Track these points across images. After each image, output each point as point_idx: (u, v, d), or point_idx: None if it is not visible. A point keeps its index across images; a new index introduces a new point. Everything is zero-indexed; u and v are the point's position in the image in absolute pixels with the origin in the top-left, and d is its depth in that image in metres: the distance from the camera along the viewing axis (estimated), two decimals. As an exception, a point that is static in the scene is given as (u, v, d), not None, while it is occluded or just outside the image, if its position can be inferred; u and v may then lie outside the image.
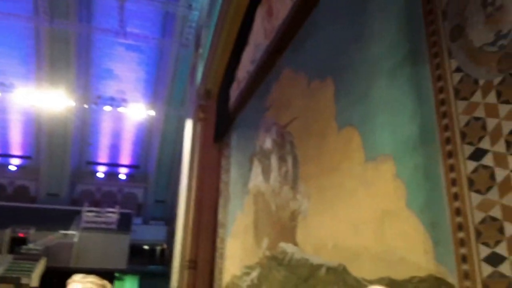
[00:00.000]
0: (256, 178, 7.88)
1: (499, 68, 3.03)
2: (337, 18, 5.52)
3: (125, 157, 29.42)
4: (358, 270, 4.15)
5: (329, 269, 4.67)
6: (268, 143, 7.57)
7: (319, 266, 4.89)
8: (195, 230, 9.74)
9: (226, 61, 10.95)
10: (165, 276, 23.96)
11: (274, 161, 7.19)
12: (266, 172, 7.47)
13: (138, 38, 22.16)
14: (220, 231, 9.65)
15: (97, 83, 25.07)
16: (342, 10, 5.44)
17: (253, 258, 7.18)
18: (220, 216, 9.83)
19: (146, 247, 27.17)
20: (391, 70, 4.20)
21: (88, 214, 22.79)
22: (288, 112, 6.78)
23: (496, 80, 3.03)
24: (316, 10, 6.22)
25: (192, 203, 10.22)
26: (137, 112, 24.19)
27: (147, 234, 26.53)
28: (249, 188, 8.19)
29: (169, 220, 27.24)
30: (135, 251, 24.73)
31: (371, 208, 4.13)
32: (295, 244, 5.73)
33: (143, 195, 29.89)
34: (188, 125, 12.73)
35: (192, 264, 9.38)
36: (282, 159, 6.85)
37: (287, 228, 6.12)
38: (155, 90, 25.91)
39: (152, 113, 24.49)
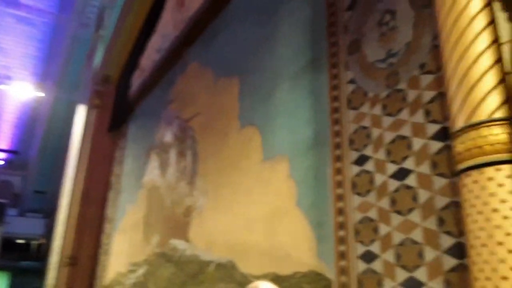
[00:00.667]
0: (152, 172, 7.66)
1: (387, 84, 3.39)
2: (248, 17, 5.65)
3: (3, 141, 26.35)
4: (246, 266, 4.27)
5: (219, 265, 4.73)
6: (168, 137, 7.42)
7: (209, 263, 4.93)
8: (78, 224, 9.10)
9: (130, 47, 10.48)
10: (41, 272, 21.93)
11: (173, 155, 7.06)
12: (163, 167, 7.31)
13: (31, 11, 20.07)
14: (106, 226, 9.16)
15: (-24, 54, 22.09)
16: (253, 10, 5.58)
17: (141, 254, 6.96)
18: (108, 211, 9.34)
19: (20, 241, 24.59)
20: (294, 75, 4.43)
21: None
22: (191, 107, 6.73)
23: (383, 94, 3.38)
24: (228, 6, 6.29)
25: (77, 196, 9.54)
26: (22, 91, 21.82)
27: (23, 227, 24.04)
28: (143, 182, 7.92)
29: (49, 213, 25.01)
30: (8, 245, 22.27)
31: (264, 206, 4.29)
32: (187, 240, 5.70)
33: (20, 184, 27.01)
34: (80, 111, 11.86)
35: (72, 261, 8.74)
36: (181, 154, 6.76)
37: (180, 224, 6.05)
38: (45, 69, 23.64)
39: (41, 94, 22.32)
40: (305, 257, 3.58)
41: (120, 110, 10.14)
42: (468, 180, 2.10)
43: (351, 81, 3.72)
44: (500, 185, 1.98)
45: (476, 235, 2.00)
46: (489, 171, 2.01)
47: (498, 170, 2.00)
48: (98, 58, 12.13)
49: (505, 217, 1.93)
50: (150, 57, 9.25)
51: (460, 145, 2.17)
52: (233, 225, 4.72)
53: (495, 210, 1.95)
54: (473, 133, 2.10)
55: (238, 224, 4.63)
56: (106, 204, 9.57)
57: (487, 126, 2.06)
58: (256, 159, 4.63)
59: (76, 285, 8.58)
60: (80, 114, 11.75)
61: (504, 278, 1.86)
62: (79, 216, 9.30)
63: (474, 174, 2.06)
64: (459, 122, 2.20)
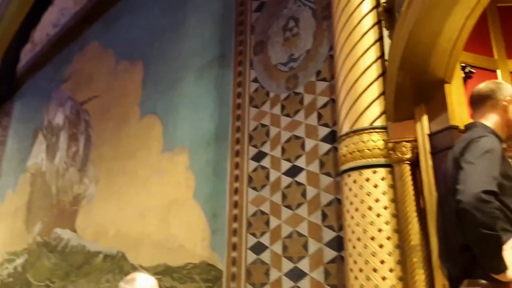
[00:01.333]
0: (38, 155, 7.02)
1: (287, 86, 3.57)
2: (156, 3, 5.46)
3: None
4: (136, 257, 4.16)
5: (107, 256, 4.54)
6: (59, 118, 6.86)
7: (96, 253, 4.70)
8: None
9: (22, 17, 9.41)
10: None
11: (63, 139, 6.56)
12: (51, 150, 6.74)
13: None
14: (-20, 212, 8.16)
15: None
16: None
17: (21, 243, 6.34)
18: (-16, 195, 8.32)
19: None
20: (200, 68, 4.42)
21: None
22: (88, 89, 6.30)
23: (283, 95, 3.56)
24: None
25: None
26: None
27: None
28: (27, 165, 7.22)
29: None
30: None
31: (160, 197, 4.22)
32: (73, 230, 5.34)
33: None
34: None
35: None
36: (73, 138, 6.31)
37: (66, 213, 5.65)
38: None
39: None
40: (198, 249, 3.62)
41: (5, 85, 9.08)
42: (349, 179, 2.32)
43: (255, 80, 3.84)
44: (375, 185, 2.23)
45: (352, 230, 2.22)
46: (367, 172, 2.25)
47: (374, 172, 2.25)
48: (-19, 24, 10.69)
49: (378, 215, 2.17)
50: (44, 30, 8.43)
51: (344, 148, 2.39)
52: (126, 215, 4.56)
53: (369, 208, 2.19)
54: (355, 138, 2.33)
55: (131, 214, 4.49)
56: (-20, 188, 8.51)
57: (368, 132, 2.30)
58: (156, 149, 4.53)
59: None
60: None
61: (375, 270, 2.09)
62: None
63: (354, 174, 2.28)
64: (345, 127, 2.42)
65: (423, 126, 2.11)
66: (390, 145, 2.22)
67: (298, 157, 3.23)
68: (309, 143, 3.19)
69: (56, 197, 6.09)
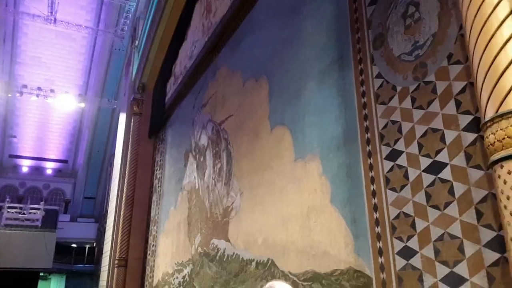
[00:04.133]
0: (191, 175, 7.80)
1: (414, 76, 3.28)
2: (273, 19, 5.62)
3: (52, 151, 27.64)
4: (284, 264, 4.27)
5: (258, 263, 4.76)
6: (203, 140, 7.53)
7: (249, 261, 4.97)
8: (126, 228, 9.42)
9: (163, 56, 10.69)
10: (93, 275, 22.91)
11: (209, 157, 7.16)
12: (201, 169, 7.43)
13: (69, 26, 20.87)
14: (152, 228, 9.43)
15: (23, 71, 23.26)
16: (277, 12, 5.55)
17: (185, 255, 7.11)
18: (153, 213, 9.61)
19: (74, 245, 25.77)
20: (321, 73, 4.37)
21: (10, 211, 21.10)
22: (223, 110, 6.79)
23: (412, 87, 3.27)
24: (253, 10, 6.28)
25: (123, 200, 9.86)
26: (66, 103, 22.76)
27: (75, 231, 25.16)
28: (183, 184, 8.09)
29: (99, 217, 26.06)
30: (62, 249, 23.36)
31: (298, 204, 4.27)
32: (227, 240, 5.77)
33: (71, 191, 28.29)
34: (122, 119, 12.26)
35: (122, 262, 9.07)
36: (217, 156, 6.85)
37: (219, 224, 6.13)
38: (86, 81, 24.58)
39: (82, 105, 23.19)
40: (343, 255, 3.54)
41: (157, 117, 10.39)
42: (502, 171, 1.99)
43: (378, 76, 3.62)
44: (537, 176, 1.87)
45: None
46: (525, 161, 1.90)
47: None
48: (134, 68, 12.48)
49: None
50: (182, 63, 9.40)
51: (491, 135, 2.06)
52: (270, 224, 4.73)
53: None
54: (503, 123, 1.98)
55: (274, 223, 4.64)
56: (150, 207, 9.84)
57: (519, 116, 1.95)
58: (288, 158, 4.61)
59: (127, 286, 8.90)
60: (122, 121, 12.14)
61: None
62: (126, 219, 9.62)
63: (508, 164, 1.94)
64: (489, 112, 2.09)
65: None
66: None
67: (438, 151, 2.92)
68: (450, 135, 2.86)
69: (209, 211, 6.66)
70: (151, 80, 11.47)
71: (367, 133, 3.58)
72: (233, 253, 5.47)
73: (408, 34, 3.41)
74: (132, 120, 11.01)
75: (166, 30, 10.21)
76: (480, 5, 2.24)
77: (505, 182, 2.01)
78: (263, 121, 5.32)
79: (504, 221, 2.03)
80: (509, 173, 1.99)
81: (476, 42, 2.26)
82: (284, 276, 4.19)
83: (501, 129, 2.04)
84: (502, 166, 2.04)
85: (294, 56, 4.93)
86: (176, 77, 9.72)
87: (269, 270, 4.51)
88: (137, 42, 13.07)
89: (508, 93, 2.04)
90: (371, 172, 3.43)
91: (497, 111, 2.08)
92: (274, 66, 5.34)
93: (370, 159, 3.48)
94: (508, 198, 1.98)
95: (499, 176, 2.06)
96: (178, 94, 9.23)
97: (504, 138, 2.02)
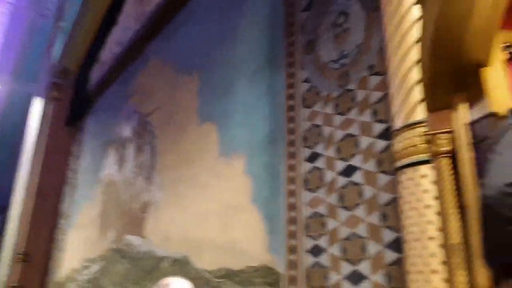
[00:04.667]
0: (110, 167, 7.50)
1: (339, 84, 3.49)
2: (208, 14, 5.63)
3: (-47, 132, 24.93)
4: (200, 261, 4.28)
5: (174, 260, 4.71)
6: (127, 131, 7.28)
7: (164, 258, 4.90)
8: (32, 220, 8.77)
9: (91, 40, 10.17)
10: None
11: (131, 150, 6.94)
12: (121, 162, 7.17)
13: (-16, -3, 19.03)
14: (61, 221, 8.88)
15: None
16: (214, 6, 5.57)
17: (96, 250, 6.80)
18: (64, 206, 9.06)
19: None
20: (252, 73, 4.46)
21: None
22: (151, 102, 6.63)
23: (335, 94, 3.47)
24: (189, 2, 6.24)
25: (32, 190, 9.18)
26: (-26, 81, 20.64)
27: (-28, 224, 22.87)
28: (100, 177, 7.74)
29: (3, 208, 23.95)
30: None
31: (219, 201, 4.31)
32: (143, 236, 5.62)
33: (-28, 179, 25.71)
34: (37, 104, 11.42)
35: (25, 257, 8.42)
36: (140, 149, 6.66)
37: (136, 220, 5.96)
38: (0, 60, 22.57)
39: (-5, 85, 21.21)
40: (257, 252, 3.63)
41: (79, 104, 9.84)
42: (403, 177, 2.20)
43: (307, 80, 3.80)
44: (434, 182, 2.08)
45: (409, 230, 2.10)
46: (423, 168, 2.11)
47: (427, 168, 2.11)
48: (57, 50, 11.70)
49: (438, 213, 2.03)
50: (110, 50, 9.03)
51: (398, 143, 2.27)
52: (188, 220, 4.71)
53: (427, 207, 2.05)
54: (409, 133, 2.20)
55: (193, 219, 4.63)
56: (61, 199, 9.27)
57: (420, 126, 2.16)
58: (213, 154, 4.64)
59: (29, 282, 8.27)
60: (37, 107, 11.31)
61: (434, 271, 1.96)
62: (34, 211, 8.96)
63: (409, 171, 2.15)
64: (398, 122, 2.30)
65: (461, 115, 1.94)
66: (428, 137, 2.08)
67: (353, 155, 3.13)
68: (365, 141, 3.08)
69: (127, 205, 6.45)
70: (75, 64, 10.83)
71: (291, 135, 3.72)
72: (148, 249, 5.35)
73: (337, 43, 3.62)
74: (49, 106, 10.32)
75: (95, 14, 9.73)
76: (399, 22, 2.46)
77: (405, 188, 2.22)
78: (191, 116, 5.30)
79: (402, 224, 2.24)
80: (409, 179, 2.20)
81: (393, 56, 2.48)
82: (199, 274, 4.20)
83: (406, 138, 2.24)
84: (404, 173, 2.25)
85: (228, 52, 4.99)
86: (103, 63, 9.30)
87: (184, 267, 4.48)
88: (62, 22, 12.30)
89: (415, 105, 2.26)
90: (292, 172, 3.57)
91: (405, 121, 2.30)
92: (207, 60, 5.35)
93: (292, 159, 3.62)
94: (406, 202, 2.19)
95: (400, 182, 2.27)
96: (104, 81, 8.84)
97: (408, 147, 2.22)
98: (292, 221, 3.39)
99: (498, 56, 1.92)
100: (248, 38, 4.72)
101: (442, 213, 1.95)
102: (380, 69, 3.13)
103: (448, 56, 1.89)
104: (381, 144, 2.94)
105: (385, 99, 3.02)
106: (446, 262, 1.87)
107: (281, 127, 3.86)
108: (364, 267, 2.77)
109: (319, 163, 3.37)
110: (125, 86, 7.82)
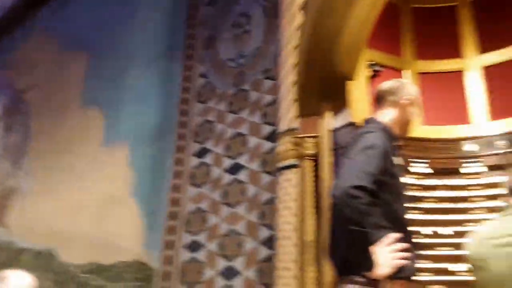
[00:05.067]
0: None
1: (234, 83, 3.57)
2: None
3: None
4: (67, 255, 3.98)
5: (37, 253, 4.31)
6: (-5, 108, 6.49)
7: (25, 250, 4.45)
8: None
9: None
10: None
11: (-1, 130, 6.20)
12: (-16, 141, 6.35)
13: None
14: None
15: None
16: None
17: None
18: None
19: None
20: (148, 60, 4.32)
21: None
22: (30, 77, 6.00)
23: (230, 92, 3.55)
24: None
25: None
26: None
27: None
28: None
29: None
30: None
31: (96, 193, 4.07)
32: (3, 225, 5.04)
33: None
34: None
35: None
36: (9, 129, 5.98)
37: (-4, 208, 5.32)
38: None
39: None
40: (132, 247, 3.51)
41: None
42: (281, 178, 2.32)
43: (203, 75, 3.81)
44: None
45: (281, 228, 2.21)
46: (295, 171, 2.24)
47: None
48: None
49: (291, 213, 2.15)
50: (-15, 13, 7.98)
51: (280, 146, 2.39)
52: (59, 211, 4.35)
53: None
54: (289, 137, 2.29)
55: (65, 210, 4.29)
56: None
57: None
58: (95, 142, 4.37)
59: None
60: None
61: (287, 269, 2.07)
62: None
63: (287, 173, 2.28)
64: (283, 126, 2.42)
65: (327, 123, 2.10)
66: (297, 141, 2.20)
67: (240, 154, 3.22)
68: (253, 141, 3.20)
69: (-14, 192, 5.72)
70: None
71: (182, 128, 3.69)
72: (7, 240, 4.81)
73: (237, 43, 3.71)
74: None
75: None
76: (294, 31, 2.61)
77: (282, 188, 2.34)
78: (75, 99, 4.93)
79: (276, 222, 2.35)
80: (286, 180, 2.32)
81: (283, 64, 2.61)
82: (63, 268, 3.90)
83: (287, 142, 2.34)
84: (282, 174, 2.37)
85: (122, 37, 4.76)
86: (-25, 27, 8.18)
87: (48, 260, 4.12)
88: None
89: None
90: (178, 166, 3.54)
91: (287, 126, 2.41)
92: (99, 42, 5.04)
93: (180, 153, 3.59)
94: (282, 201, 2.31)
95: (279, 183, 2.39)
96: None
97: (287, 150, 2.33)
98: (173, 216, 3.36)
99: (363, 72, 2.16)
100: (147, 24, 4.57)
101: (300, 212, 2.07)
102: (274, 74, 3.28)
103: (319, 67, 2.06)
104: (267, 145, 3.08)
105: (275, 103, 3.17)
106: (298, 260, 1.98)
107: (172, 120, 3.80)
108: (239, 263, 2.85)
109: (208, 159, 3.40)
110: (1, 56, 6.97)
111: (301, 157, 2.14)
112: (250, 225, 2.91)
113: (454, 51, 2.25)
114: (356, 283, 1.11)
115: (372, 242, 1.08)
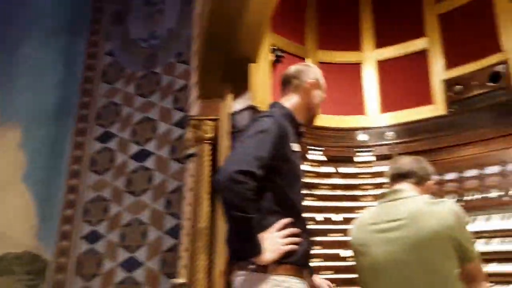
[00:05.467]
0: None
1: (145, 64, 3.42)
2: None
3: None
4: None
5: None
6: None
7: None
8: None
9: None
10: None
11: None
12: None
13: None
14: None
15: None
16: None
17: None
18: None
19: None
20: (47, 33, 3.95)
21: None
22: None
23: (139, 74, 3.39)
24: None
25: None
26: None
27: None
28: None
29: None
30: None
31: (-20, 177, 3.65)
32: None
33: None
34: None
35: None
36: None
37: None
38: None
39: None
40: (23, 237, 3.22)
41: None
42: (190, 165, 2.28)
43: (110, 53, 3.60)
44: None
45: (188, 216, 2.18)
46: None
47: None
48: None
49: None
50: None
51: (189, 133, 2.32)
52: None
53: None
54: (199, 124, 2.22)
55: None
56: None
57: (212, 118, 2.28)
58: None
59: None
60: None
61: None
62: None
63: (195, 159, 2.23)
64: (193, 112, 2.37)
65: (227, 105, 2.02)
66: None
67: (148, 140, 3.11)
68: (162, 127, 3.10)
69: None
70: None
71: (84, 109, 3.46)
72: None
73: (149, 22, 3.55)
74: None
75: None
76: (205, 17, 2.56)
77: (191, 176, 2.29)
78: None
79: (183, 210, 2.31)
80: (195, 167, 2.27)
81: (198, 48, 2.55)
82: None
83: (196, 129, 2.27)
84: (191, 161, 2.32)
85: (18, 5, 4.30)
86: None
87: None
88: None
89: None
90: (78, 151, 3.31)
91: (197, 112, 2.34)
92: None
93: (80, 137, 3.37)
94: (190, 189, 2.26)
95: (187, 169, 2.35)
96: None
97: (196, 137, 2.27)
98: (70, 204, 3.15)
99: (266, 56, 2.16)
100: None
101: (195, 197, 1.98)
102: (187, 58, 3.20)
103: (220, 48, 1.98)
104: (177, 132, 3.01)
105: (187, 88, 3.10)
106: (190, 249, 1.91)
107: (73, 100, 3.55)
108: (141, 254, 2.77)
109: (112, 144, 3.24)
110: None
111: (200, 141, 2.05)
112: (155, 214, 2.83)
113: (354, 44, 2.35)
114: (244, 269, 1.10)
115: (258, 227, 1.08)
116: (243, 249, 1.09)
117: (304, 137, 1.33)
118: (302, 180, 1.26)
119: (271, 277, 1.07)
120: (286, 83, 1.35)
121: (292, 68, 1.38)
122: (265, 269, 1.08)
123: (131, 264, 2.77)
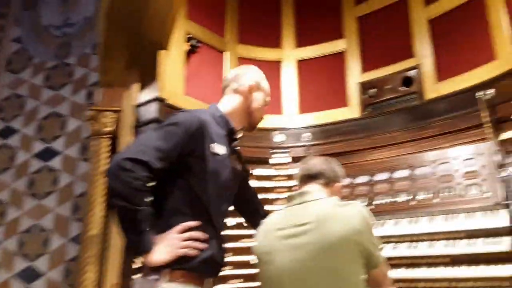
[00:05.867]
0: None
1: (57, 54, 3.16)
2: None
3: None
4: None
5: None
6: None
7: None
8: None
9: None
10: None
11: None
12: None
13: None
14: None
15: None
16: None
17: None
18: None
19: None
20: None
21: None
22: None
23: (49, 64, 3.14)
24: None
25: None
26: None
27: None
28: None
29: None
30: None
31: None
32: None
33: None
34: None
35: None
36: None
37: None
38: None
39: None
40: None
41: None
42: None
43: (18, 40, 3.30)
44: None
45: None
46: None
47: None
48: None
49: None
50: None
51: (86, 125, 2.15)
52: None
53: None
54: (97, 115, 2.01)
55: None
56: None
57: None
58: None
59: None
60: None
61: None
62: None
63: (91, 157, 2.03)
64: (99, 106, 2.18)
65: (132, 95, 1.83)
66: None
67: (56, 138, 2.87)
68: (72, 123, 2.88)
69: None
70: None
71: (-17, 101, 3.14)
72: None
73: (63, 8, 3.30)
74: None
75: None
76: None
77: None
78: None
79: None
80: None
81: (100, 28, 2.36)
82: None
83: (94, 121, 2.03)
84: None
85: None
86: None
87: None
88: None
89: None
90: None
91: (97, 103, 2.12)
92: None
93: (-25, 132, 3.05)
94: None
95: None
96: None
97: (93, 131, 2.01)
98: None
99: (180, 44, 2.00)
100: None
101: (88, 201, 1.80)
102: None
103: (125, 28, 1.80)
104: (89, 130, 2.80)
105: (103, 81, 2.91)
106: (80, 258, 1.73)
107: (-29, 90, 3.21)
108: (41, 263, 2.53)
109: (13, 140, 2.96)
110: None
111: (97, 135, 1.87)
112: (59, 219, 2.61)
113: (275, 41, 2.31)
114: (140, 270, 1.03)
115: (163, 226, 1.03)
116: (132, 245, 1.01)
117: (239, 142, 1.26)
118: (228, 185, 1.19)
119: (163, 285, 1.00)
120: (226, 87, 1.33)
121: (233, 71, 1.35)
122: (158, 273, 1.00)
123: (30, 275, 2.52)
